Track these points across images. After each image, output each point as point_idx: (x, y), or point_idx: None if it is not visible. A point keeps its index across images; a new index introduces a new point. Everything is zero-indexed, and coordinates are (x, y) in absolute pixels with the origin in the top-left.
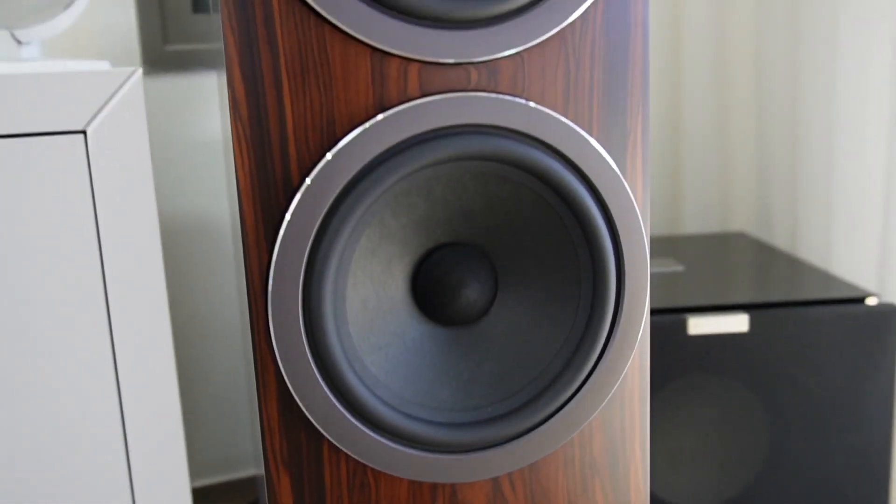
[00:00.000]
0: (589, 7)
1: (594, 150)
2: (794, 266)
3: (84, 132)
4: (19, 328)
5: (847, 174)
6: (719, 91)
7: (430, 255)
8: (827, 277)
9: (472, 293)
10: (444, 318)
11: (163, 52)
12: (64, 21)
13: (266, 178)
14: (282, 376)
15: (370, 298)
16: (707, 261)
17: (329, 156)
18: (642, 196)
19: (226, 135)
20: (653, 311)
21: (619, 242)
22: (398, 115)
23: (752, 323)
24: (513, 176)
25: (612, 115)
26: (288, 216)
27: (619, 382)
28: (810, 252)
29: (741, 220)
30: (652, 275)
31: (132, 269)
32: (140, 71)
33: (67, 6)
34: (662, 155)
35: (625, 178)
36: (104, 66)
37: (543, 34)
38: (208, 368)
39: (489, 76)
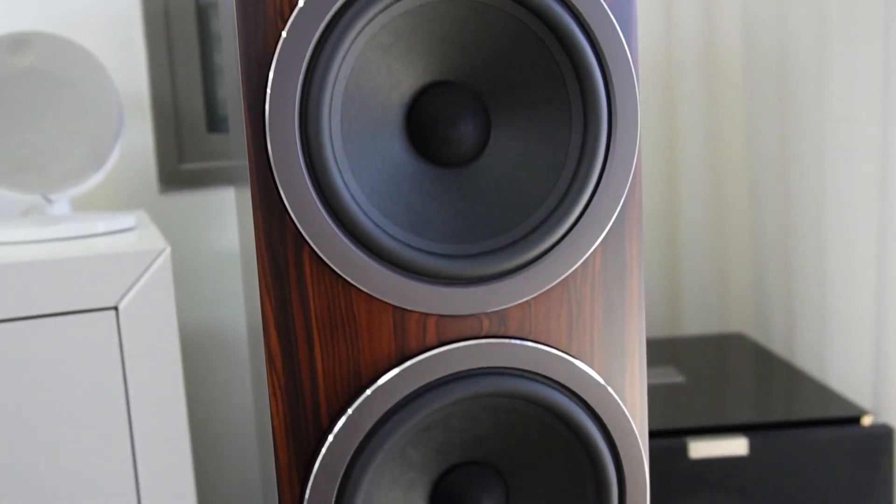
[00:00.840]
0: (589, 256)
1: (595, 381)
2: (792, 377)
3: (116, 308)
4: (57, 480)
5: (838, 280)
6: (714, 194)
7: (448, 473)
8: (823, 392)
9: (489, 499)
10: None
11: (178, 171)
12: (94, 180)
13: (298, 422)
14: None
15: None
16: (706, 370)
17: (361, 399)
18: (640, 417)
19: (243, 248)
20: (654, 433)
21: (621, 461)
22: (418, 365)
23: (752, 446)
24: (522, 408)
25: (611, 347)
26: (320, 456)
27: None
28: (806, 353)
29: (739, 320)
30: (653, 387)
31: (159, 434)
32: (168, 250)
33: (99, 168)
34: (661, 257)
35: (624, 403)
36: (130, 220)
37: (548, 284)
38: (223, 474)
39: (499, 323)
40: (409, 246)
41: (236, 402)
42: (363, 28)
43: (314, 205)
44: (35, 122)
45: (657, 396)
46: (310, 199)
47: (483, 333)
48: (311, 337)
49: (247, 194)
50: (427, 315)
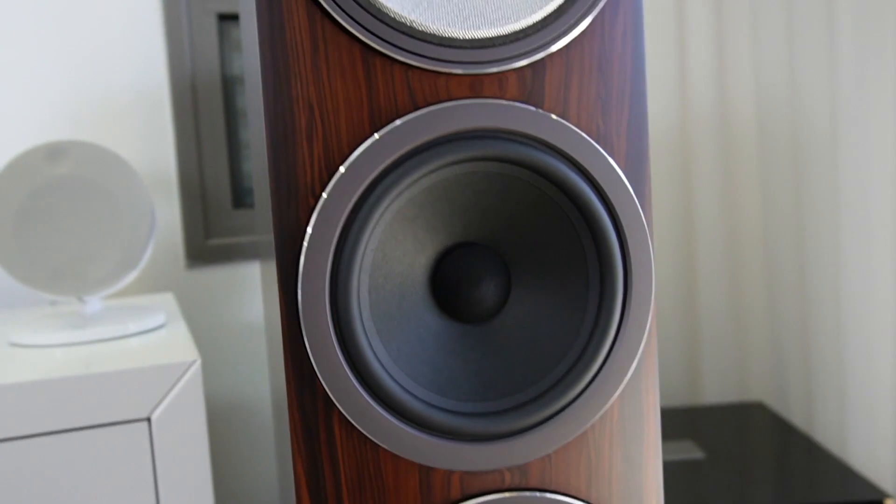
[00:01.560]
0: (607, 408)
1: None
2: (812, 454)
3: (149, 419)
4: None
5: (856, 354)
6: (731, 263)
7: None
8: (844, 472)
9: None
10: None
11: (205, 247)
12: (127, 280)
13: None
14: None
15: None
16: (726, 445)
17: None
18: None
19: (268, 322)
20: None
21: None
22: None
23: None
24: None
25: (629, 492)
26: None
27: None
28: (826, 426)
29: (759, 389)
30: (670, 464)
31: None
32: (199, 361)
33: (132, 270)
34: (679, 325)
35: None
36: (160, 318)
37: (568, 437)
38: None
39: (521, 476)
40: (434, 406)
41: (261, 473)
42: (389, 205)
43: (344, 372)
44: (72, 229)
45: (677, 475)
46: (339, 367)
47: (505, 486)
48: (340, 495)
49: (273, 275)
50: (451, 472)
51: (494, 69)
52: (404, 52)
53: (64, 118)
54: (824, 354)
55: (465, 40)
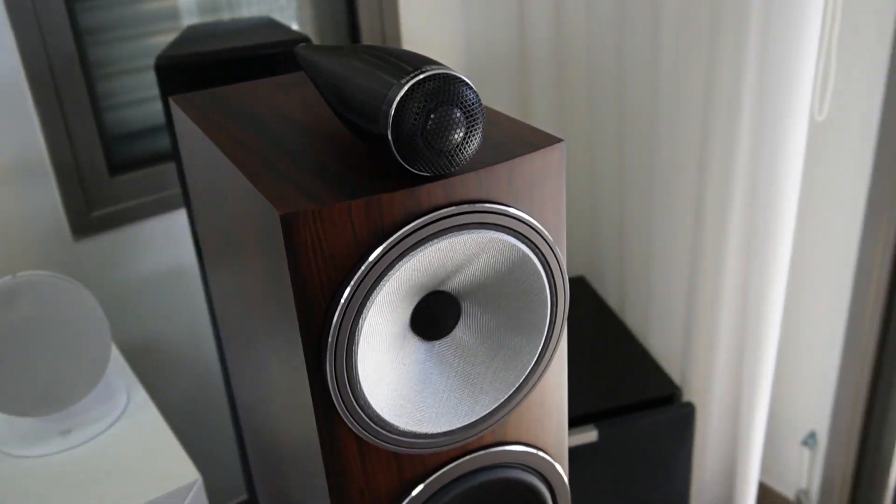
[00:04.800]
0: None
1: None
2: (621, 340)
3: None
4: None
5: (661, 239)
6: None
7: None
8: (646, 361)
9: None
10: None
11: (89, 219)
12: (95, 391)
13: None
14: None
15: None
16: None
17: None
18: None
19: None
20: None
21: None
22: None
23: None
24: None
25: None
26: None
27: None
28: (635, 300)
29: (582, 266)
30: None
31: None
32: (200, 479)
33: (97, 381)
34: None
35: None
36: (122, 398)
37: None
38: None
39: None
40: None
41: (172, 396)
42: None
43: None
44: (41, 361)
45: None
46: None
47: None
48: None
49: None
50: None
51: None
52: None
53: None
54: (636, 242)
55: None
